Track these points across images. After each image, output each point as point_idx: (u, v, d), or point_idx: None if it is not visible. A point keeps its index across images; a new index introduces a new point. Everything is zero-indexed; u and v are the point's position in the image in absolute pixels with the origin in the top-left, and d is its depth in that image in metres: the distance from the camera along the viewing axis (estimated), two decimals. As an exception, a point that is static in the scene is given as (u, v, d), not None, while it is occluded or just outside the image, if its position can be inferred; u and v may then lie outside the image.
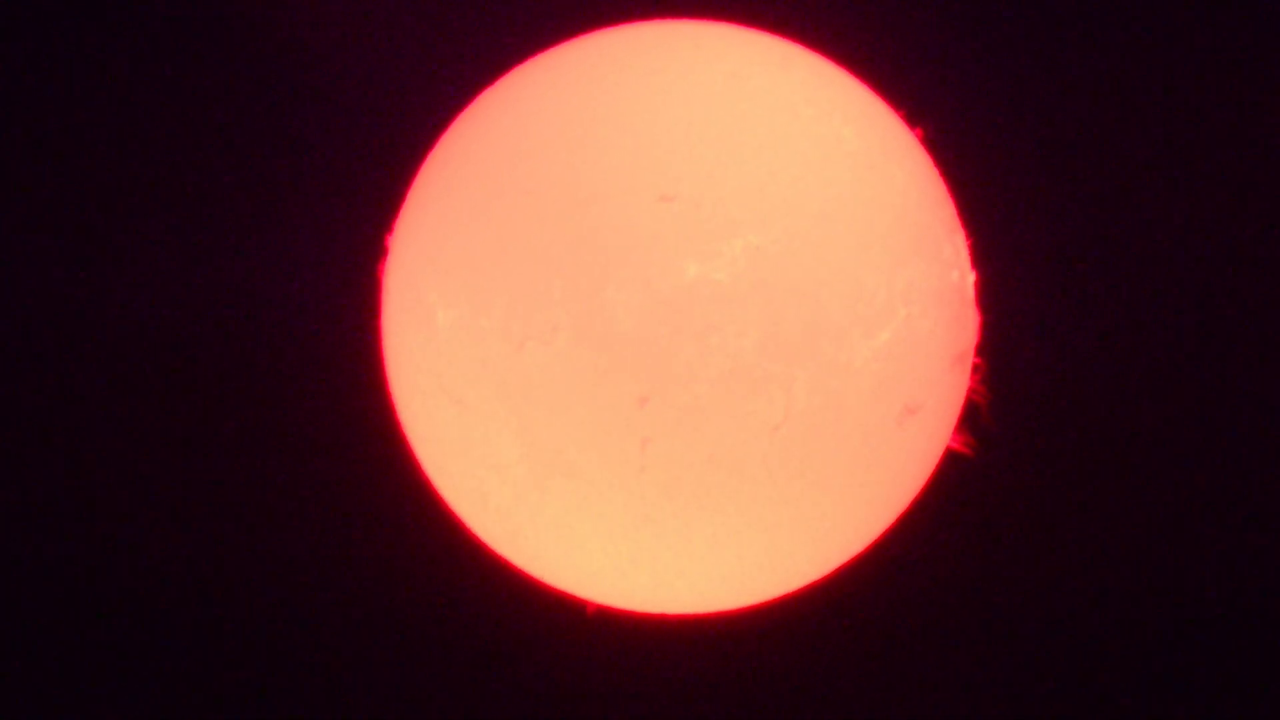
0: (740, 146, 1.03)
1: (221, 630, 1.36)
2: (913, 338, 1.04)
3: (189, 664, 1.36)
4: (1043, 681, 1.35)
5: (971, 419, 1.16)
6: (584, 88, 1.06)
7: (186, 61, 1.31)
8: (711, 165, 1.02)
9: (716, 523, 1.04)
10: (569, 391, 1.01)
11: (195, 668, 1.36)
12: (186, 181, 1.33)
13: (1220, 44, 1.28)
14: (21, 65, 1.32)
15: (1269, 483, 1.33)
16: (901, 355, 1.04)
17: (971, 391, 1.14)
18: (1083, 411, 1.33)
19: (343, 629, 1.36)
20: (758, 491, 1.03)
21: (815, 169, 1.03)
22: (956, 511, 1.33)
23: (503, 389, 1.02)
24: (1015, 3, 1.28)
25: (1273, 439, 1.33)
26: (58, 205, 1.34)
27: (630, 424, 1.01)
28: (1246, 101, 1.29)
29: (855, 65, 1.25)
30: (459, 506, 1.11)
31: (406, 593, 1.36)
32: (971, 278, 1.12)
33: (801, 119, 1.05)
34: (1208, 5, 1.28)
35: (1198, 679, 1.35)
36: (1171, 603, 1.35)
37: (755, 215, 1.02)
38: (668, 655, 1.34)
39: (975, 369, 1.14)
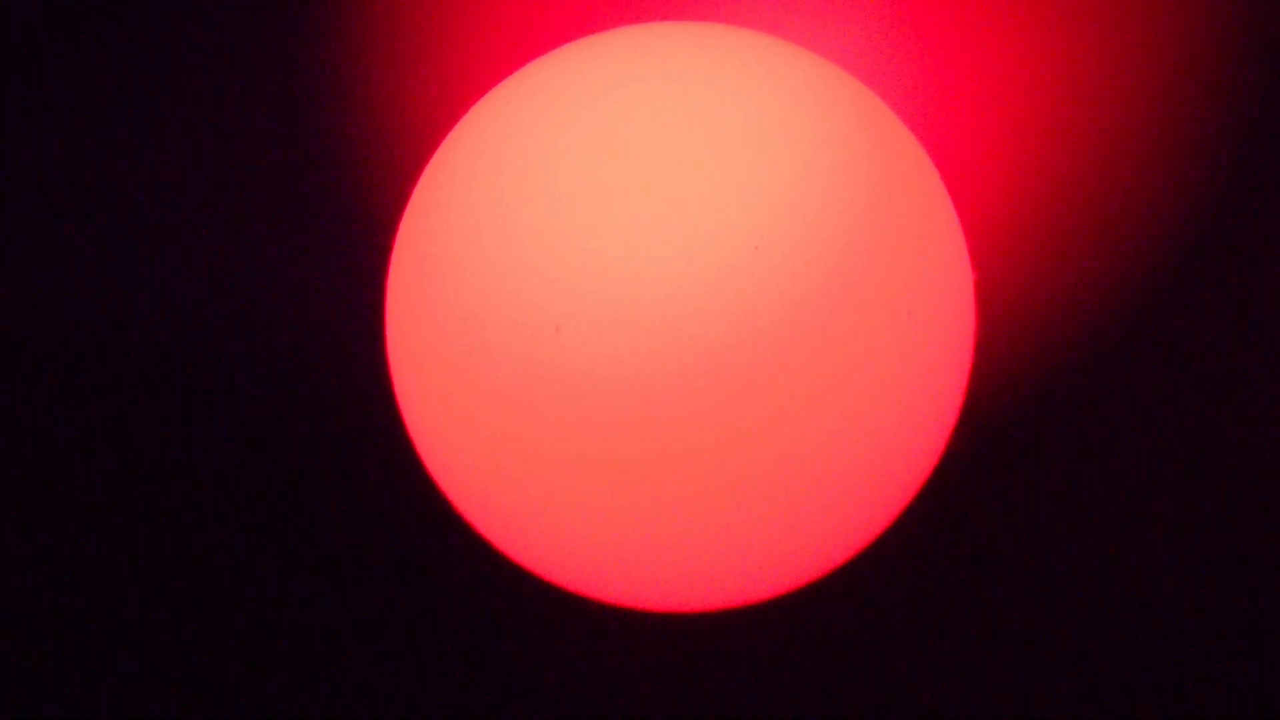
0: (741, 147, 1.03)
1: (227, 630, 1.36)
2: (914, 337, 1.05)
3: (193, 662, 1.37)
4: (1042, 680, 1.35)
5: (971, 419, 1.16)
6: (586, 89, 1.06)
7: (191, 65, 1.31)
8: (712, 166, 1.02)
9: (718, 522, 1.04)
10: (573, 391, 1.01)
11: (199, 667, 1.37)
12: (192, 185, 1.33)
13: (1219, 43, 1.29)
14: (22, 70, 1.32)
15: (1269, 481, 1.33)
16: (903, 355, 1.04)
17: (971, 388, 1.14)
18: (1082, 412, 1.33)
19: (348, 628, 1.36)
20: (759, 491, 1.03)
21: (816, 170, 1.03)
22: (956, 511, 1.33)
23: (506, 388, 1.03)
24: (1015, 4, 1.28)
25: (1272, 437, 1.33)
26: (62, 209, 1.34)
27: (634, 424, 1.01)
28: (1247, 102, 1.29)
29: (856, 66, 1.25)
30: (464, 505, 1.11)
31: (412, 591, 1.36)
32: (971, 278, 1.12)
33: (803, 120, 1.05)
34: (1208, 6, 1.28)
35: (1198, 678, 1.35)
36: (1171, 602, 1.35)
37: (756, 216, 1.02)
38: (669, 654, 1.34)
39: (973, 369, 1.14)
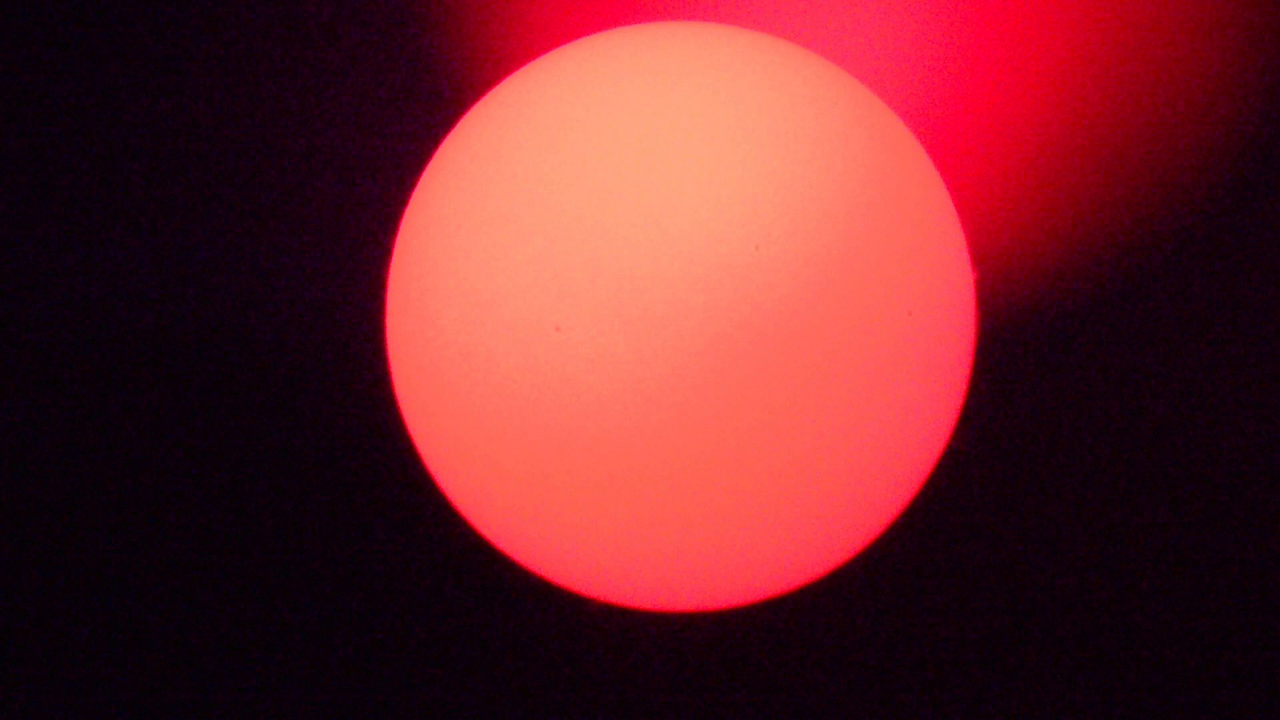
0: (741, 147, 1.03)
1: (226, 630, 1.36)
2: (914, 337, 1.05)
3: (193, 662, 1.36)
4: (1043, 680, 1.35)
5: (971, 419, 1.16)
6: (585, 89, 1.06)
7: (192, 65, 1.31)
8: (712, 165, 1.02)
9: (718, 522, 1.04)
10: (572, 390, 1.01)
11: (199, 666, 1.37)
12: (193, 185, 1.33)
13: (1221, 43, 1.28)
14: (22, 70, 1.32)
15: (1271, 481, 1.33)
16: (903, 355, 1.04)
17: (971, 391, 1.14)
18: (1082, 411, 1.33)
19: (348, 627, 1.36)
20: (758, 490, 1.03)
21: (816, 169, 1.03)
22: (956, 511, 1.33)
23: (506, 387, 1.03)
24: (1016, 4, 1.28)
25: (1274, 437, 1.33)
26: (62, 209, 1.34)
27: (634, 423, 1.01)
28: (1248, 101, 1.29)
29: (856, 66, 1.25)
30: (464, 505, 1.11)
31: (412, 591, 1.36)
32: (971, 278, 1.12)
33: (802, 119, 1.05)
34: (1206, 7, 1.28)
35: (1197, 679, 1.35)
36: (1172, 601, 1.35)
37: (756, 215, 1.02)
38: (669, 653, 1.34)
39: (973, 369, 1.14)
